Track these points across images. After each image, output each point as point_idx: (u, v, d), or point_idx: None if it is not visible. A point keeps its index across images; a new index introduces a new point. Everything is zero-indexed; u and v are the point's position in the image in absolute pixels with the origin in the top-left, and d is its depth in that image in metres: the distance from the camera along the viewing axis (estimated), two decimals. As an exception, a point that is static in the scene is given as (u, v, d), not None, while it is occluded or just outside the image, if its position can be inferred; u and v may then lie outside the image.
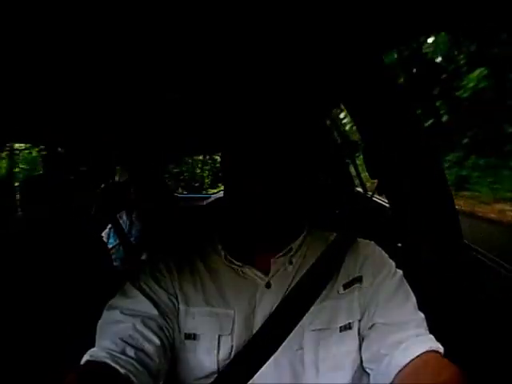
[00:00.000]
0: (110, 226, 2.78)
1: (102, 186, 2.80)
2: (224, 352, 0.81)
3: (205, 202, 3.38)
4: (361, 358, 0.83)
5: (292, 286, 0.85)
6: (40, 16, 0.78)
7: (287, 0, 0.83)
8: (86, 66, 1.05)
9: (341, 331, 0.83)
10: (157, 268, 0.89)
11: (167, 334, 0.81)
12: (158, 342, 0.78)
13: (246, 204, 0.81)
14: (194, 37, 0.95)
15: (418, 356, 0.73)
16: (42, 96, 1.31)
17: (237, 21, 0.91)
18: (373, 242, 0.94)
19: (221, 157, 0.91)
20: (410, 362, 0.73)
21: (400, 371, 0.73)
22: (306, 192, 0.89)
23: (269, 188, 0.80)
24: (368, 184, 2.85)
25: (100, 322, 0.81)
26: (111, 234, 2.77)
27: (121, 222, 2.87)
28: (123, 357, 0.72)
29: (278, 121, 0.87)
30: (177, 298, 0.86)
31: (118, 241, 2.76)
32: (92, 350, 0.74)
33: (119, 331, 0.77)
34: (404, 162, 1.21)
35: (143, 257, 2.60)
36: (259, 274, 0.86)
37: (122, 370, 0.70)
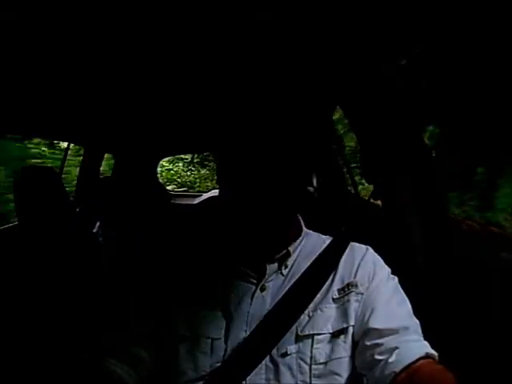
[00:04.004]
0: (98, 224, 2.73)
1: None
2: (217, 354, 0.81)
3: (196, 201, 3.34)
4: (354, 364, 0.83)
5: (286, 289, 0.84)
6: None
7: (289, 3, 0.82)
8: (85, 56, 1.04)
9: (334, 336, 0.82)
10: (150, 268, 0.87)
11: (159, 336, 0.81)
12: (150, 345, 0.80)
13: (243, 207, 0.80)
14: (195, 33, 0.94)
15: (413, 362, 0.74)
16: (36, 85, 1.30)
17: (242, 22, 0.91)
18: (369, 247, 0.93)
19: (218, 159, 0.89)
20: (406, 367, 0.73)
21: (395, 377, 0.73)
22: (303, 194, 0.88)
23: (267, 191, 0.79)
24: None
25: (94, 321, 0.81)
26: (99, 233, 2.72)
27: None
28: (117, 361, 0.75)
29: (278, 121, 0.86)
30: (170, 300, 0.85)
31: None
32: (88, 351, 0.78)
33: (115, 335, 0.80)
34: (401, 167, 1.21)
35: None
36: (254, 276, 0.86)
37: (115, 374, 0.74)
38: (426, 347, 0.77)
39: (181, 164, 9.70)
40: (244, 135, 0.83)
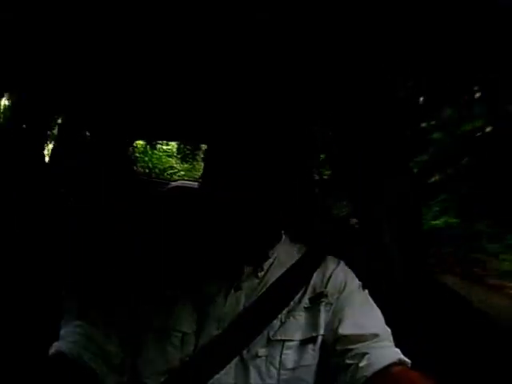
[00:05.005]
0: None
1: None
2: (187, 349, 0.81)
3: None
4: (320, 373, 0.84)
5: (261, 292, 0.86)
6: None
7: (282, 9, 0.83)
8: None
9: (303, 344, 0.83)
10: (123, 258, 0.89)
11: (130, 328, 0.81)
12: (118, 339, 0.79)
13: (229, 207, 0.81)
14: (191, 26, 0.93)
15: (385, 367, 0.74)
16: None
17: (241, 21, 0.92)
18: (341, 261, 0.95)
19: (209, 157, 0.91)
20: (378, 372, 0.74)
21: (367, 381, 0.74)
22: (285, 201, 0.89)
23: (255, 193, 0.81)
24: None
25: (65, 307, 0.82)
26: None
27: None
28: (87, 353, 0.74)
29: (270, 125, 0.89)
30: (142, 292, 0.85)
31: None
32: (59, 343, 0.76)
33: (82, 326, 0.78)
34: (381, 186, 1.22)
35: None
36: (230, 275, 0.87)
37: (86, 366, 0.73)
38: (398, 354, 0.78)
39: (161, 153, 9.52)
40: (237, 137, 0.85)
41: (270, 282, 0.87)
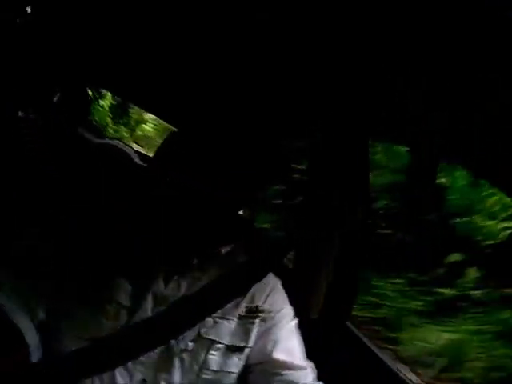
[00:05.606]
0: None
1: None
2: (119, 323, 0.78)
3: None
4: (242, 382, 0.85)
5: (200, 286, 0.84)
6: None
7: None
8: None
9: (230, 350, 0.84)
10: (63, 224, 0.86)
11: (63, 292, 0.79)
12: (47, 300, 0.78)
13: (185, 197, 0.78)
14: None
15: None
16: None
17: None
18: (280, 281, 0.96)
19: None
20: None
21: None
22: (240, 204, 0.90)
23: (212, 190, 0.79)
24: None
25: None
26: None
27: None
28: (18, 309, 0.74)
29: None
30: (76, 258, 0.81)
31: None
32: None
33: (15, 282, 0.78)
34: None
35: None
36: (177, 261, 0.84)
37: (14, 320, 0.72)
38: None
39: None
40: (214, 130, 0.85)
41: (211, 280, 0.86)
